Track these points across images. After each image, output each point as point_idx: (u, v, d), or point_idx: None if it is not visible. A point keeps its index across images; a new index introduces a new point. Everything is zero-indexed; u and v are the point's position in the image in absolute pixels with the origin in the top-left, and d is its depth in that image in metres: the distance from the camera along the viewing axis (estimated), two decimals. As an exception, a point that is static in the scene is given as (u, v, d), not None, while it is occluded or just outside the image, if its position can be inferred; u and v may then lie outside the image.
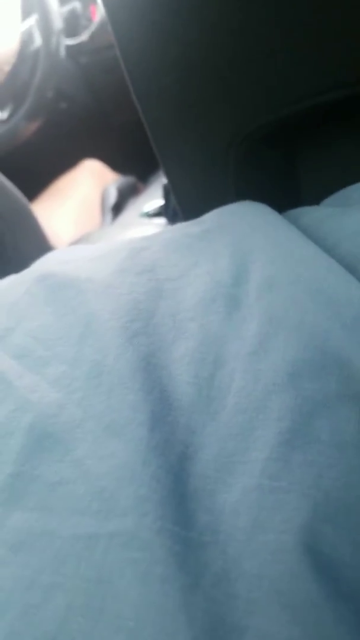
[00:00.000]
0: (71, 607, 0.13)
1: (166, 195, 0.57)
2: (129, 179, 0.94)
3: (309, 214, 0.25)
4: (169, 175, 0.34)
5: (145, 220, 0.65)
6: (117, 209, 0.85)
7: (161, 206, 0.61)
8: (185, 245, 0.24)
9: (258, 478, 0.14)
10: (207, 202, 0.34)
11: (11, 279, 0.27)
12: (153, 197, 0.73)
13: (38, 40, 0.82)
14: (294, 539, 0.13)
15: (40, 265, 0.26)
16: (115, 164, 1.00)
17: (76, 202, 0.86)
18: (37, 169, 0.92)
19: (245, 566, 0.13)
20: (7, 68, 0.69)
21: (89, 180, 0.91)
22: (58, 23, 0.80)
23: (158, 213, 0.62)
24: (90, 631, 0.12)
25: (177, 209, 0.36)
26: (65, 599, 0.13)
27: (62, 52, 0.82)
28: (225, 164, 0.31)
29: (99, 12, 0.92)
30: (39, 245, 0.65)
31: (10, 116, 0.86)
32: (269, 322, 0.18)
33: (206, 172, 0.33)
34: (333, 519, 0.13)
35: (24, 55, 0.82)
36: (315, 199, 0.29)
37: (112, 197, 0.86)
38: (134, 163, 0.98)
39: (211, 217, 0.26)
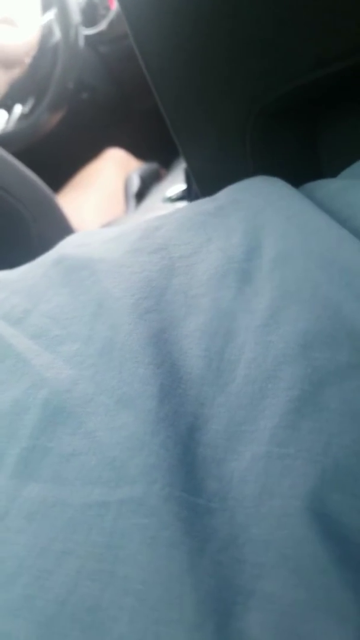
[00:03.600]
0: (81, 571, 0.13)
1: (188, 179, 0.56)
2: (152, 166, 0.94)
3: (324, 186, 0.24)
4: (187, 157, 0.34)
5: (168, 205, 0.65)
6: (140, 195, 0.86)
7: (183, 190, 0.60)
8: (198, 222, 0.24)
9: (267, 445, 0.14)
10: (225, 180, 0.33)
11: (30, 264, 0.27)
12: (175, 182, 0.73)
13: (57, 34, 0.83)
14: (301, 505, 0.13)
15: (57, 250, 0.27)
16: (138, 151, 1.00)
17: (100, 191, 0.87)
18: (61, 160, 0.93)
19: (253, 531, 0.13)
20: (27, 60, 0.70)
21: (113, 169, 0.92)
22: (76, 16, 0.80)
23: (180, 197, 0.62)
24: (100, 594, 0.13)
25: (197, 191, 0.36)
26: (76, 564, 0.13)
27: (81, 43, 0.82)
28: (243, 141, 0.31)
29: (117, 1, 0.91)
30: (64, 235, 0.66)
31: (32, 110, 0.87)
32: (281, 295, 0.18)
33: (224, 150, 0.32)
34: (341, 486, 0.13)
35: (44, 49, 0.83)
36: (336, 174, 0.28)
37: (135, 184, 0.86)
38: (157, 149, 0.98)
39: (225, 194, 0.26)
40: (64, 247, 0.27)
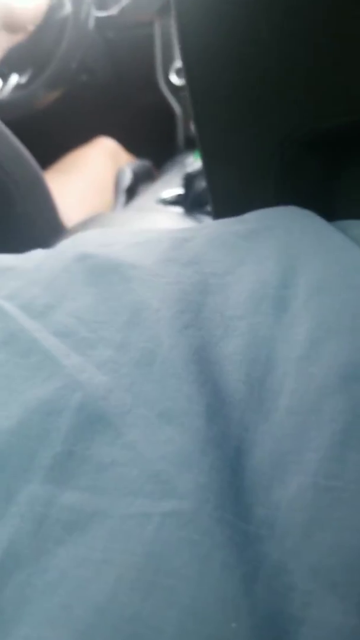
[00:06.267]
0: (121, 580, 0.13)
1: (187, 185, 0.56)
2: (145, 163, 0.93)
3: (357, 227, 0.25)
4: (209, 171, 0.34)
5: (161, 207, 0.64)
6: (131, 192, 0.84)
7: (179, 195, 0.60)
8: (230, 242, 0.24)
9: (313, 477, 0.15)
10: (243, 200, 0.33)
11: (41, 254, 0.26)
12: (169, 185, 0.72)
13: (68, 8, 0.80)
14: (352, 536, 0.13)
15: (75, 245, 0.26)
16: (129, 145, 0.98)
17: (88, 178, 0.85)
18: (50, 140, 0.90)
19: (303, 559, 0.13)
20: (30, 28, 0.68)
21: (103, 158, 0.90)
22: (90, -9, 0.78)
23: (176, 201, 0.61)
24: (141, 603, 0.13)
25: (210, 203, 0.35)
26: (115, 573, 0.13)
27: (91, 22, 0.80)
28: (269, 167, 0.31)
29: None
30: (49, 215, 0.64)
31: (29, 81, 0.84)
32: (319, 326, 0.18)
33: (248, 171, 0.32)
34: None
35: (52, 21, 0.80)
36: (352, 215, 0.28)
37: (127, 178, 0.84)
38: (149, 147, 0.97)
39: (256, 218, 0.26)
40: (84, 245, 0.25)
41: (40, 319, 0.20)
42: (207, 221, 0.30)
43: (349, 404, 0.16)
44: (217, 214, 0.35)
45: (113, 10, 0.90)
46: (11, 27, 0.64)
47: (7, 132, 0.56)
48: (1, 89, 0.86)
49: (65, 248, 0.26)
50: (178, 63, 0.89)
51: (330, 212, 0.33)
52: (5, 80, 0.87)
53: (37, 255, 0.26)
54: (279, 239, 0.23)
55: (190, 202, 0.56)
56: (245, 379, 0.18)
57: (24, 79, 0.85)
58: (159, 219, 0.59)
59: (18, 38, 0.67)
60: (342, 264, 0.21)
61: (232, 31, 0.27)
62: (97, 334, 0.19)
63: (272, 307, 0.20)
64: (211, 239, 0.24)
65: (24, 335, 0.19)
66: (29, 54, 0.82)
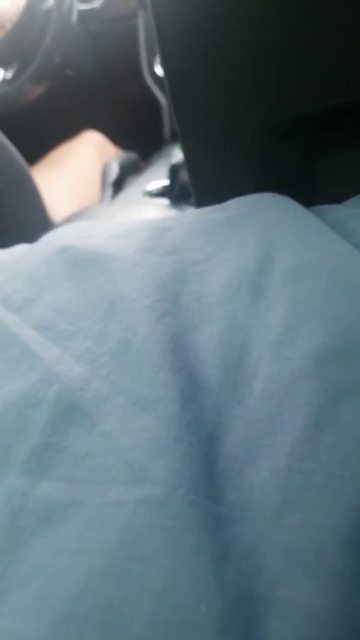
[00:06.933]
0: (93, 569, 0.13)
1: (172, 176, 0.56)
2: (131, 155, 0.93)
3: (334, 211, 0.25)
4: (189, 159, 0.34)
5: (147, 200, 0.65)
6: (118, 184, 0.84)
7: (165, 186, 0.60)
8: (209, 230, 0.24)
9: (286, 460, 0.15)
10: (224, 189, 0.34)
11: (24, 248, 0.26)
12: (156, 176, 0.72)
13: (50, 2, 0.80)
14: (323, 517, 0.13)
15: (56, 238, 0.26)
16: (116, 138, 0.98)
17: (75, 172, 0.85)
18: (36, 135, 0.90)
19: (274, 541, 0.13)
20: (8, 25, 0.67)
21: (90, 152, 0.90)
22: (72, -16, 0.78)
23: (161, 193, 0.62)
24: (113, 592, 0.13)
25: (192, 193, 0.36)
26: (89, 562, 0.13)
27: (74, 15, 0.80)
28: (249, 154, 0.31)
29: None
30: (37, 210, 0.64)
31: (15, 76, 0.84)
32: (293, 311, 0.18)
33: (228, 159, 0.33)
34: None
35: (34, 14, 0.79)
36: (330, 201, 0.29)
37: (114, 172, 0.84)
38: (136, 139, 0.97)
39: (235, 205, 0.26)
40: (64, 237, 0.26)
41: (20, 312, 0.20)
42: (188, 210, 0.31)
43: (322, 387, 0.16)
44: (199, 203, 0.36)
45: (96, 3, 0.90)
46: None
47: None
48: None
49: (46, 241, 0.26)
50: (162, 55, 0.88)
51: (310, 197, 0.34)
52: (-10, 76, 0.86)
53: (19, 250, 0.26)
54: (256, 226, 0.23)
55: (176, 194, 0.57)
56: (220, 364, 0.18)
57: (9, 75, 0.85)
58: (145, 211, 0.59)
59: None
60: (317, 249, 0.21)
61: (207, 20, 0.27)
62: (75, 325, 0.19)
63: (249, 293, 0.20)
64: (190, 227, 0.24)
65: (2, 330, 0.19)
66: (13, 49, 0.82)
